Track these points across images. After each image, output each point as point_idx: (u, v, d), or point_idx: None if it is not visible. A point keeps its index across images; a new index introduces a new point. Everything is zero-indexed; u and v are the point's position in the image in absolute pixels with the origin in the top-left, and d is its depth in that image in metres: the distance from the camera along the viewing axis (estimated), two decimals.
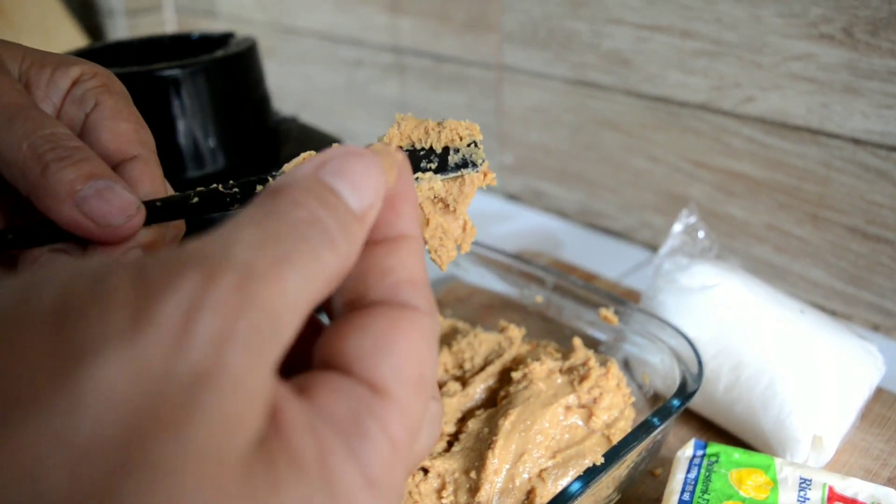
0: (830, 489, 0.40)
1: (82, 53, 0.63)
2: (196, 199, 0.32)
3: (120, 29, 1.48)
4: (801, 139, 0.63)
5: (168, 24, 1.44)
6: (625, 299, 0.51)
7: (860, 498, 0.39)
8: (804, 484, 0.40)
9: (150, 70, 0.56)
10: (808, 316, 0.50)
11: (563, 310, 0.53)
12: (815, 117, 0.62)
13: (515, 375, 0.45)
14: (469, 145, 0.34)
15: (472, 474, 0.40)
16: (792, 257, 0.67)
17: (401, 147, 0.33)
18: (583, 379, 0.44)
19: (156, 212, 0.32)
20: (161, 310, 0.15)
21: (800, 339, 0.48)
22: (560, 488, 0.39)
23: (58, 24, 1.39)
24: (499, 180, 0.93)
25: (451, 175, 0.33)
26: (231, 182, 0.32)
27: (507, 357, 0.48)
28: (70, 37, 1.38)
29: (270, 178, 0.32)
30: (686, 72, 0.69)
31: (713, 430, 0.51)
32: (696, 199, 0.71)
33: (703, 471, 0.41)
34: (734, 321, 0.49)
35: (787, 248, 0.67)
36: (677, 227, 0.56)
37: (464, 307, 0.58)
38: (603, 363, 0.45)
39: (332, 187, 0.20)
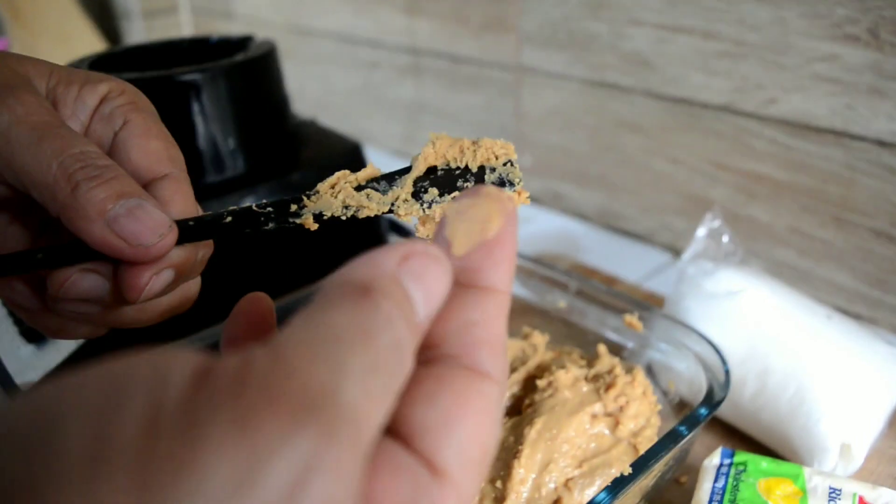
0: (861, 499, 0.39)
1: (101, 58, 0.63)
2: (229, 219, 0.32)
3: (137, 31, 1.48)
4: (824, 141, 0.63)
5: (184, 25, 1.45)
6: (649, 304, 0.51)
7: None
8: (834, 493, 0.40)
9: (170, 74, 0.56)
10: (834, 322, 0.49)
11: (586, 315, 0.53)
12: (840, 119, 0.61)
13: (540, 383, 0.45)
14: (505, 164, 0.33)
15: (498, 484, 0.40)
16: (815, 260, 0.66)
17: (436, 167, 0.33)
18: (609, 387, 0.43)
19: (188, 231, 0.32)
20: (272, 471, 0.13)
21: (827, 346, 0.48)
22: (587, 498, 0.39)
23: (76, 28, 1.40)
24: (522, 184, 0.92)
25: None
26: (264, 201, 0.32)
27: (532, 364, 0.47)
28: (88, 40, 1.38)
29: (305, 198, 0.32)
30: (708, 73, 0.69)
31: (739, 437, 0.50)
32: (717, 202, 0.71)
33: (730, 480, 0.41)
34: (760, 327, 0.49)
35: (810, 251, 0.67)
36: (701, 232, 0.55)
37: None
38: (629, 370, 0.45)
39: (409, 295, 0.18)
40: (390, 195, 0.33)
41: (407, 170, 0.33)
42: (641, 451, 0.40)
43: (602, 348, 0.47)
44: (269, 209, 0.32)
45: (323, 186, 0.33)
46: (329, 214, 0.33)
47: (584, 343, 0.50)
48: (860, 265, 0.64)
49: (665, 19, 0.70)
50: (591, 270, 0.71)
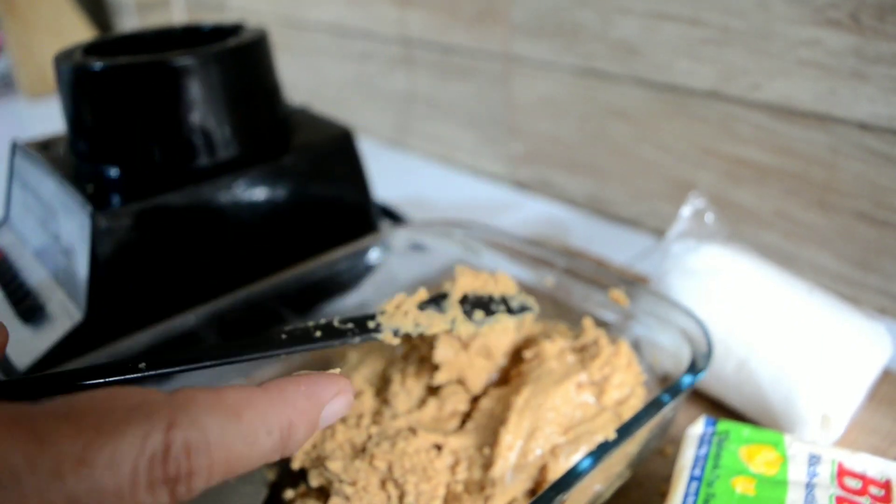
0: (840, 465, 0.40)
1: (94, 45, 0.63)
2: (319, 333, 0.38)
3: (130, 24, 1.48)
4: (808, 125, 0.63)
5: (178, 18, 1.45)
6: (634, 280, 0.51)
7: (870, 474, 0.39)
8: (813, 460, 0.40)
9: (163, 59, 0.57)
10: (816, 296, 0.50)
11: (573, 292, 0.53)
12: (823, 103, 0.62)
13: (527, 354, 0.45)
14: (519, 293, 0.45)
15: (486, 451, 0.41)
16: (800, 243, 0.67)
17: (467, 295, 0.44)
18: (594, 357, 0.44)
19: (281, 344, 0.36)
20: None
21: (809, 320, 0.48)
22: (572, 464, 0.39)
23: (69, 22, 1.40)
24: (508, 170, 0.94)
25: (517, 316, 0.44)
26: (345, 318, 0.39)
27: (519, 337, 0.48)
28: (82, 34, 1.38)
29: (379, 316, 0.41)
30: (694, 60, 0.69)
31: (722, 411, 0.51)
32: (704, 187, 0.71)
33: (713, 447, 0.41)
34: (744, 302, 0.50)
35: (794, 234, 0.67)
36: (686, 211, 0.56)
37: None
38: (613, 342, 0.46)
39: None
40: (448, 315, 0.42)
41: (445, 295, 0.43)
42: (626, 420, 0.41)
43: (588, 321, 0.48)
44: (351, 325, 0.39)
45: (389, 306, 0.41)
46: (404, 331, 0.40)
47: (571, 320, 0.51)
48: (843, 247, 0.64)
49: (652, 7, 0.71)
50: (580, 254, 0.72)
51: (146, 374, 0.31)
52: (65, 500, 0.18)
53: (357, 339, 0.38)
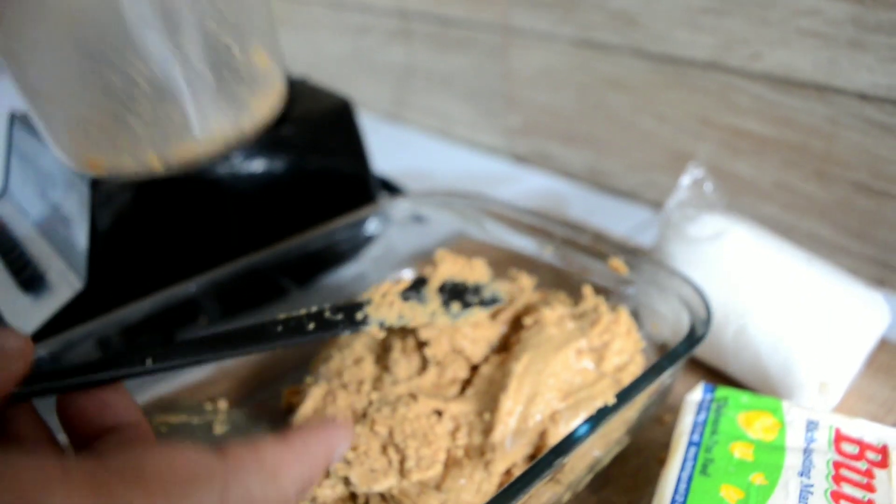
0: (837, 430, 0.40)
1: None
2: (312, 325, 0.40)
3: None
4: (807, 95, 0.63)
5: None
6: (634, 249, 0.51)
7: (867, 439, 0.40)
8: (811, 426, 0.40)
9: None
10: (814, 265, 0.50)
11: (572, 261, 0.53)
12: (822, 73, 0.62)
13: (527, 321, 0.46)
14: (491, 282, 0.48)
15: (486, 416, 0.41)
16: (799, 214, 0.67)
17: (445, 283, 0.47)
18: (593, 324, 0.44)
19: (277, 336, 0.38)
20: None
21: (807, 287, 0.48)
22: (571, 429, 0.39)
23: None
24: (506, 142, 0.94)
25: (488, 308, 0.46)
26: (335, 307, 0.42)
27: (518, 304, 0.48)
28: None
29: (366, 304, 0.44)
30: (693, 29, 0.69)
31: (721, 379, 0.51)
32: (702, 158, 0.71)
33: (711, 414, 0.41)
34: (742, 270, 0.50)
35: (793, 205, 0.67)
36: (685, 181, 0.56)
37: None
38: (613, 310, 0.46)
39: None
40: (428, 308, 0.44)
41: (424, 281, 0.46)
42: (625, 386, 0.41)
43: (587, 289, 0.48)
44: (341, 316, 0.41)
45: (376, 295, 0.44)
46: (388, 324, 0.43)
47: (571, 289, 0.51)
48: (842, 218, 0.64)
49: None
50: (579, 224, 0.72)
51: (152, 368, 0.33)
52: None
53: (347, 332, 0.41)
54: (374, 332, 0.43)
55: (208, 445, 0.24)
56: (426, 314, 0.44)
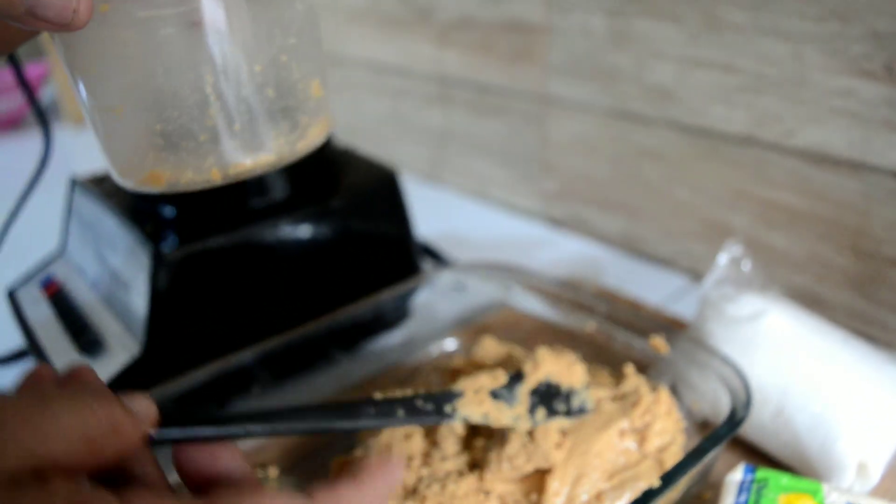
0: None
1: None
2: (402, 412, 0.41)
3: None
4: (841, 171, 0.64)
5: None
6: (674, 328, 0.52)
7: None
8: None
9: None
10: (851, 345, 0.51)
11: (613, 337, 0.54)
12: (857, 150, 0.63)
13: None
14: (583, 389, 0.47)
15: (533, 497, 0.42)
16: (832, 286, 0.68)
17: (540, 384, 0.47)
18: (634, 405, 0.45)
19: (368, 416, 0.39)
20: None
21: (844, 368, 0.49)
22: None
23: None
24: (542, 206, 0.95)
25: (572, 419, 0.46)
26: (427, 395, 0.43)
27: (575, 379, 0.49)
28: None
29: (457, 401, 0.44)
30: (728, 105, 0.71)
31: (759, 456, 0.51)
32: (737, 229, 0.72)
33: (752, 495, 0.42)
34: (781, 350, 0.51)
35: (827, 278, 0.68)
36: (723, 258, 0.57)
37: (515, 333, 0.59)
38: (654, 390, 0.47)
39: None
40: (515, 410, 0.45)
41: (521, 376, 0.47)
42: (667, 467, 0.42)
43: (629, 368, 0.49)
44: (431, 406, 0.42)
45: (469, 389, 0.45)
46: (473, 421, 0.44)
47: (611, 363, 0.52)
48: (875, 291, 0.65)
49: (687, 53, 0.72)
50: (614, 294, 0.73)
51: (249, 433, 0.34)
52: None
53: (431, 422, 0.42)
54: (456, 426, 0.45)
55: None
56: (510, 417, 0.45)
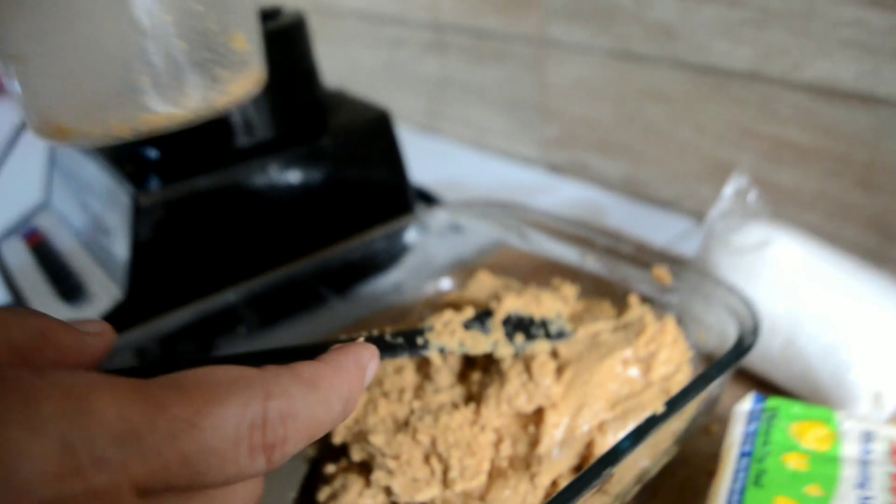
0: (893, 443, 0.39)
1: None
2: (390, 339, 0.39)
3: None
4: (850, 105, 0.62)
5: None
6: (678, 259, 0.51)
7: None
8: (867, 437, 0.39)
9: None
10: (864, 272, 0.49)
11: (615, 270, 0.53)
12: (866, 82, 0.60)
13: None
14: (558, 317, 0.46)
15: (531, 428, 0.40)
16: (842, 223, 0.66)
17: (510, 315, 0.45)
18: (639, 333, 0.43)
19: None
20: None
21: (857, 296, 0.47)
22: (620, 439, 0.38)
23: None
24: (542, 153, 0.93)
25: (554, 341, 0.44)
26: (396, 331, 0.40)
27: (566, 312, 0.47)
28: None
29: (428, 332, 0.42)
30: (733, 41, 0.68)
31: (768, 389, 0.50)
32: (744, 167, 0.70)
33: (762, 424, 0.40)
34: (791, 279, 0.49)
35: (837, 214, 0.66)
36: (728, 190, 0.55)
37: (514, 272, 0.57)
38: (659, 319, 0.45)
39: None
40: (491, 337, 0.43)
41: (489, 313, 0.44)
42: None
43: (633, 298, 0.47)
44: (401, 340, 0.40)
45: (438, 323, 0.42)
46: (449, 350, 0.42)
47: (613, 297, 0.50)
48: (886, 227, 0.63)
49: None
50: (620, 233, 0.71)
51: None
52: (178, 457, 0.20)
53: (406, 355, 0.40)
54: (433, 357, 0.43)
55: None
56: (488, 343, 0.42)
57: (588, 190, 0.87)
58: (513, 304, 0.45)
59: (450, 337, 0.42)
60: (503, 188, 0.88)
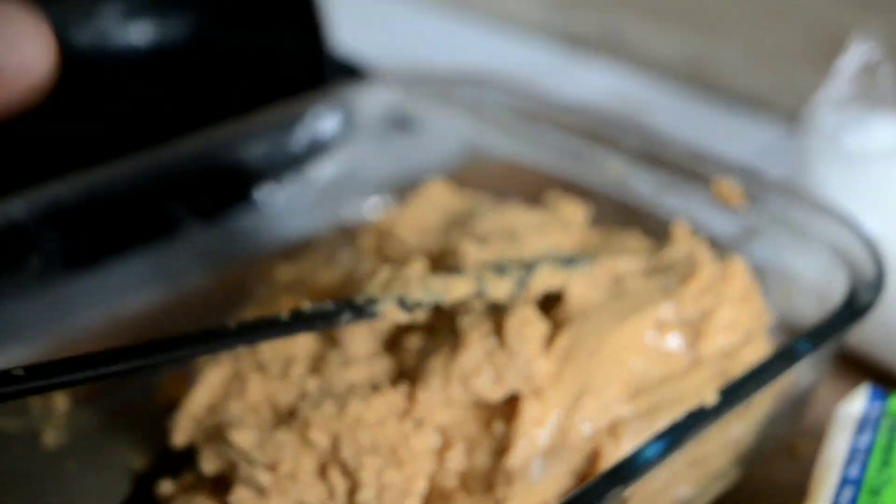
0: None
1: None
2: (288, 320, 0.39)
3: None
4: None
5: None
6: (755, 171, 0.51)
7: None
8: None
9: None
10: None
11: (651, 187, 0.53)
12: None
13: None
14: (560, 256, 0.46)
15: (497, 426, 0.39)
16: None
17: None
18: (684, 280, 0.43)
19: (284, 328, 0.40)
20: None
21: None
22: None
23: None
24: (559, 17, 0.93)
25: (567, 266, 0.44)
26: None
27: (562, 250, 0.47)
28: None
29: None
30: None
31: (893, 383, 0.49)
32: (871, 33, 0.70)
33: (881, 433, 0.40)
34: None
35: None
36: (846, 65, 0.55)
37: (496, 193, 0.57)
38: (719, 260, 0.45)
39: None
40: (469, 275, 0.43)
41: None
42: None
43: (680, 227, 0.46)
44: (333, 307, 0.40)
45: (372, 285, 0.42)
46: (413, 302, 0.42)
47: (648, 229, 0.50)
48: None
49: None
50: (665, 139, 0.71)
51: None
52: None
53: (347, 319, 0.40)
54: (391, 314, 0.41)
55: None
56: (470, 283, 0.42)
57: (625, 76, 0.87)
58: (475, 254, 0.45)
59: (404, 287, 0.42)
60: (492, 71, 0.88)
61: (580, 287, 0.43)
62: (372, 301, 0.40)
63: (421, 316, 0.42)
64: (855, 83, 0.55)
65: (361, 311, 0.40)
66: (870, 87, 0.54)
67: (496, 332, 0.41)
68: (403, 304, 0.41)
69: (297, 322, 0.40)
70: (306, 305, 0.40)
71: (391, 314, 0.41)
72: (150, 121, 0.61)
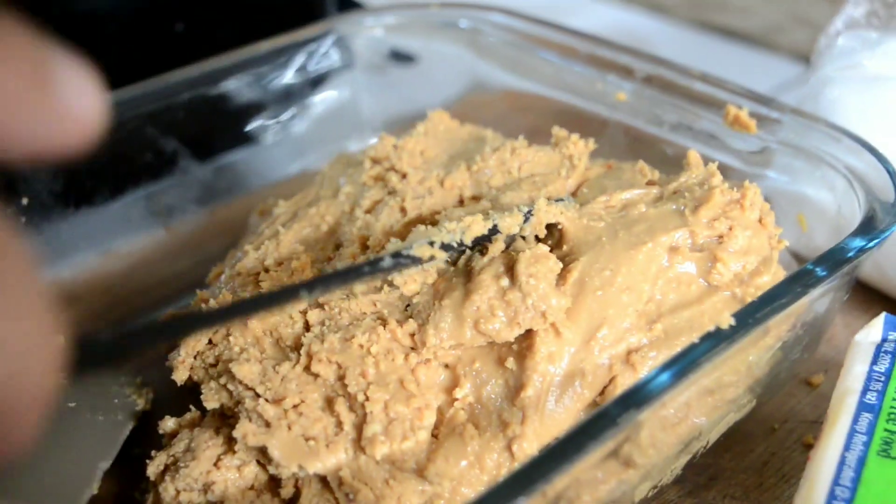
0: None
1: None
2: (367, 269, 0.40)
3: None
4: None
5: None
6: (767, 96, 0.50)
7: None
8: None
9: None
10: None
11: (661, 115, 0.52)
12: None
13: (582, 201, 0.44)
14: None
15: (511, 364, 0.39)
16: None
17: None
18: (699, 205, 0.42)
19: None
20: None
21: None
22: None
23: None
24: None
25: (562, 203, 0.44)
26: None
27: (570, 184, 0.47)
28: None
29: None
30: None
31: None
32: None
33: None
34: None
35: None
36: None
37: (496, 125, 0.56)
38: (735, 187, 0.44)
39: None
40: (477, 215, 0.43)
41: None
42: None
43: (693, 155, 0.46)
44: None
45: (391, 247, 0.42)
46: (443, 242, 0.41)
47: (657, 159, 0.49)
48: None
49: None
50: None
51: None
52: None
53: (389, 264, 0.40)
54: (427, 255, 0.41)
55: None
56: (484, 220, 0.42)
57: (635, 13, 0.87)
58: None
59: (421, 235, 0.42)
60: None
61: (577, 220, 0.43)
62: (400, 255, 0.40)
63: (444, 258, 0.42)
64: (868, 7, 0.54)
65: (400, 258, 0.40)
66: (884, 10, 0.54)
67: (508, 272, 0.40)
68: (433, 245, 0.41)
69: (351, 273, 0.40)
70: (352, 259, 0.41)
71: (428, 254, 0.41)
72: (147, 54, 0.61)
